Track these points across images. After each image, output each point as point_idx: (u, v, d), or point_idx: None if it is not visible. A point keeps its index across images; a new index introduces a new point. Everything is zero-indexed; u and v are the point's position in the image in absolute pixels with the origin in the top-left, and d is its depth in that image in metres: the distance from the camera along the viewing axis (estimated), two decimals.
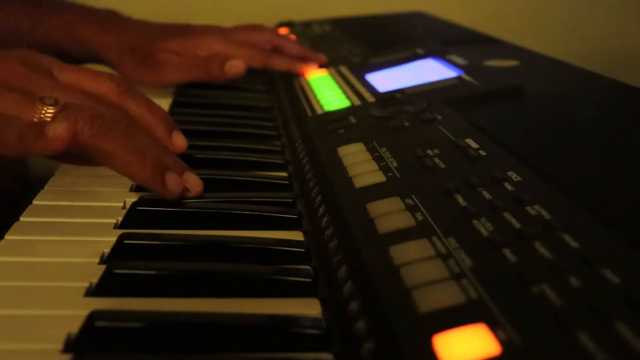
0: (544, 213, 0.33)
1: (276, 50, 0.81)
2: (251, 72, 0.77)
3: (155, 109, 0.51)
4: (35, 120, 0.43)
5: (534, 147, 0.44)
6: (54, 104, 0.44)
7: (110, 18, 0.76)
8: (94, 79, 0.49)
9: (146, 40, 0.73)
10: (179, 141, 0.51)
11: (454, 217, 0.35)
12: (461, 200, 0.37)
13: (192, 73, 0.72)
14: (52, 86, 0.47)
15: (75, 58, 0.77)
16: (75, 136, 0.41)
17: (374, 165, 0.45)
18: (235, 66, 0.71)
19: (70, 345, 0.30)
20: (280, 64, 0.78)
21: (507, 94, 0.57)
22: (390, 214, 0.38)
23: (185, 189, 0.45)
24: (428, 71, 0.66)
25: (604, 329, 0.24)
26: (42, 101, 0.43)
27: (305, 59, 0.80)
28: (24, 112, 0.43)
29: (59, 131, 0.40)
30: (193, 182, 0.45)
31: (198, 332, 0.32)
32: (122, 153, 0.43)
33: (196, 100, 0.74)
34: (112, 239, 0.39)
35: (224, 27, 0.81)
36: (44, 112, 0.43)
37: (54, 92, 0.45)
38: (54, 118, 0.42)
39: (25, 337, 0.31)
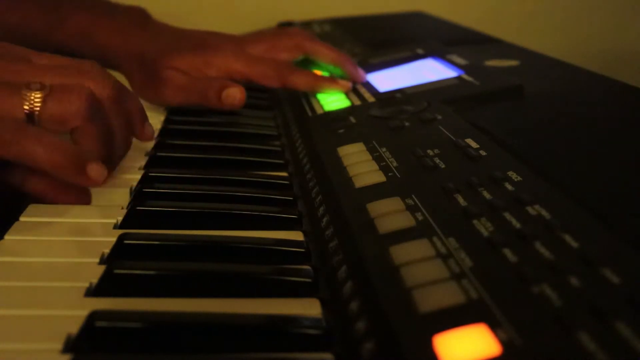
0: (544, 213, 0.33)
1: (308, 57, 0.72)
2: None
3: (131, 98, 0.51)
4: (26, 109, 0.43)
5: (534, 147, 0.44)
6: (41, 88, 0.43)
7: (130, 21, 0.71)
8: (67, 66, 0.47)
9: (156, 53, 0.69)
10: (150, 131, 0.53)
11: (454, 217, 0.35)
12: (461, 200, 0.37)
13: (191, 99, 0.68)
14: (32, 70, 0.45)
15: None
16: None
17: (374, 165, 0.45)
18: (232, 96, 0.65)
19: (70, 345, 0.30)
20: (301, 83, 0.68)
21: (507, 94, 0.57)
22: (390, 214, 0.38)
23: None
24: (428, 71, 0.66)
25: (604, 329, 0.24)
26: (28, 87, 0.43)
27: (341, 66, 0.70)
28: (14, 106, 0.42)
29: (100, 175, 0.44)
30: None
31: (198, 332, 0.32)
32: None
33: None
34: (112, 239, 0.39)
35: (243, 36, 0.73)
36: (32, 99, 0.43)
37: (36, 76, 0.45)
38: (44, 103, 0.43)
39: (25, 337, 0.31)
